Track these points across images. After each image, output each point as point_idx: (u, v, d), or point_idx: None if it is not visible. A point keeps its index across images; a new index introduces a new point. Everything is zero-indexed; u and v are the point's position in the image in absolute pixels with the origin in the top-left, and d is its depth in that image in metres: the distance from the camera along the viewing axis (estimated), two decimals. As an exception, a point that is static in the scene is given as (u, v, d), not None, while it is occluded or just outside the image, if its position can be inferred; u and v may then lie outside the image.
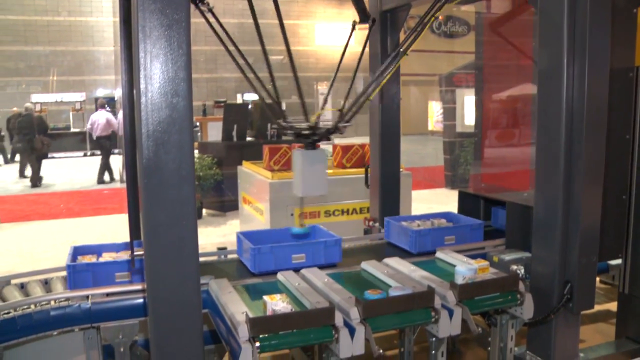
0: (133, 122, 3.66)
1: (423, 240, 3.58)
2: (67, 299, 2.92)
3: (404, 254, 3.54)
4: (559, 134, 2.92)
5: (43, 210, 10.78)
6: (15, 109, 16.37)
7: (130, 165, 3.63)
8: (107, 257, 3.33)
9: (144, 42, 2.03)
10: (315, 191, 3.11)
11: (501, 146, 4.26)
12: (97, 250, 3.42)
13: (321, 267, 3.23)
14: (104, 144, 14.28)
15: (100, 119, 14.29)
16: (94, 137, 14.86)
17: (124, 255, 3.33)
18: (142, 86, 2.06)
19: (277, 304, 2.45)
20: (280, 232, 3.66)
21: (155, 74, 2.06)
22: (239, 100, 22.28)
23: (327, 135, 3.13)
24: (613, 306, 4.66)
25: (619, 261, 3.89)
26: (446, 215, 4.10)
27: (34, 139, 13.92)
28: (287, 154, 6.34)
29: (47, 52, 22.50)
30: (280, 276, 3.05)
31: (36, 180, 13.76)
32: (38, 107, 20.19)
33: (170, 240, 2.12)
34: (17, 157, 17.37)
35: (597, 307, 4.91)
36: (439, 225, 3.86)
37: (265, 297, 2.51)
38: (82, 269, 3.05)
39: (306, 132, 3.08)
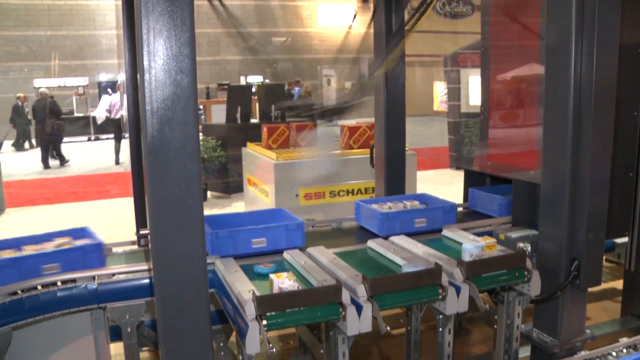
0: (136, 104, 3.66)
1: (391, 224, 3.48)
2: (74, 280, 2.92)
3: (373, 237, 3.43)
4: (566, 110, 2.88)
5: (48, 194, 10.80)
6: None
7: (134, 147, 3.64)
8: (29, 250, 3.14)
9: (147, 18, 2.00)
10: (325, 169, 3.09)
11: (507, 126, 4.23)
12: (15, 244, 3.24)
13: (282, 252, 3.15)
14: (120, 126, 14.54)
15: (118, 101, 14.51)
16: (98, 120, 15.17)
17: (49, 246, 3.18)
18: (146, 63, 2.03)
19: (283, 282, 2.44)
20: (245, 216, 3.59)
21: (158, 50, 2.03)
22: (243, 82, 22.22)
23: (335, 113, 3.11)
24: (619, 284, 4.67)
25: (625, 239, 3.88)
26: (420, 197, 3.99)
27: (45, 123, 14.31)
28: (285, 133, 6.40)
29: (48, 36, 22.44)
30: (286, 255, 3.04)
31: (61, 160, 14.38)
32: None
33: (176, 218, 2.10)
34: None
35: (603, 285, 4.93)
36: (411, 207, 3.75)
37: (272, 276, 2.51)
38: (5, 264, 2.87)
39: (314, 110, 3.08)
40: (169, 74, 2.06)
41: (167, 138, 2.07)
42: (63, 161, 14.52)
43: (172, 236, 2.12)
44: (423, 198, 3.98)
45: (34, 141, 17.44)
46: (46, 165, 14.18)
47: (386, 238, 3.35)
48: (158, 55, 2.03)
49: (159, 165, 2.08)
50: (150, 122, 2.06)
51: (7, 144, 17.41)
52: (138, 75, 2.10)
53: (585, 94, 2.85)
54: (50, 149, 14.50)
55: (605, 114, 2.90)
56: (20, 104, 16.97)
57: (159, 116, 2.06)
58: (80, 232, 3.41)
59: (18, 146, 18.03)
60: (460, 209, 4.23)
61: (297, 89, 18.09)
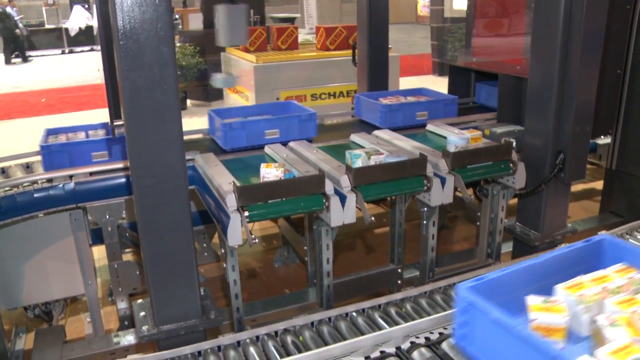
0: (107, 3, 3.45)
1: (393, 115, 3.48)
2: (50, 180, 2.84)
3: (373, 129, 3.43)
4: (559, 1, 2.76)
5: (24, 108, 10.51)
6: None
7: (104, 38, 3.46)
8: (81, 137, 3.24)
9: None
10: (237, 41, 3.26)
11: (493, 33, 4.08)
12: (71, 131, 3.35)
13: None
14: None
15: None
16: (71, 32, 15.02)
17: (101, 134, 3.23)
18: None
19: (270, 171, 2.37)
20: (257, 108, 3.58)
21: None
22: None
23: None
24: (598, 185, 4.71)
25: (607, 140, 3.87)
26: (420, 91, 3.98)
27: None
28: (263, 35, 6.31)
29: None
30: (267, 149, 2.97)
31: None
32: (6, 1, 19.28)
33: (151, 105, 1.99)
34: None
35: (583, 186, 4.98)
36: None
37: (263, 165, 2.43)
38: (56, 149, 2.96)
39: None
40: (138, -54, 1.89)
41: (138, 20, 1.94)
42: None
43: (147, 124, 2.01)
44: (424, 92, 3.98)
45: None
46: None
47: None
48: None
49: (130, 49, 1.95)
50: (120, 2, 1.91)
51: None
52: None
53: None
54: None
55: (598, 5, 2.78)
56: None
57: (129, -5, 1.91)
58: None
59: None
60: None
61: None
